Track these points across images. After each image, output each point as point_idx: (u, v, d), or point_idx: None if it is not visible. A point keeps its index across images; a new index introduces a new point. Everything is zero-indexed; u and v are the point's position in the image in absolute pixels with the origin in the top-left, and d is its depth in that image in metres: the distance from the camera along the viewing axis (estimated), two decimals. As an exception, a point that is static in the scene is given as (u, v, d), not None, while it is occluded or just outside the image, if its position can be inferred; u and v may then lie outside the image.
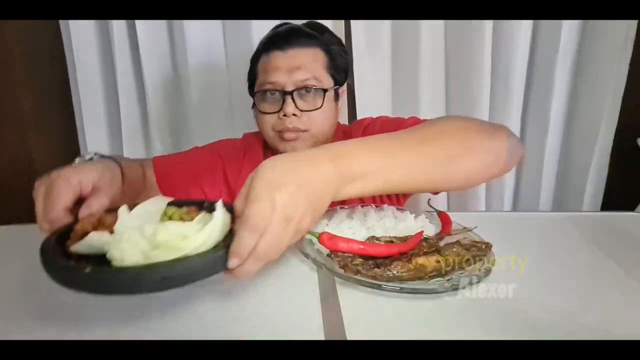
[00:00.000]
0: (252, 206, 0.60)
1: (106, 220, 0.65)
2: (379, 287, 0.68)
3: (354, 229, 0.88)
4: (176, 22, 1.69)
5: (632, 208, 1.78)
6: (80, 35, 1.72)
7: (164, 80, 1.78)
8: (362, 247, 0.76)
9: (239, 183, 1.10)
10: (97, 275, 0.55)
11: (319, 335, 0.60)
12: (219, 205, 0.63)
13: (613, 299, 0.68)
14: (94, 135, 1.84)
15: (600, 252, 0.84)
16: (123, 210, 0.64)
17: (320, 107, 1.14)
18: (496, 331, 0.60)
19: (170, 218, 0.66)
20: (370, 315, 0.65)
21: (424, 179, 0.79)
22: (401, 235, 0.84)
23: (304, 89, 1.12)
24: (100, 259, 0.58)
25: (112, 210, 0.67)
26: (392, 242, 0.80)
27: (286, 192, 0.61)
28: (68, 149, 2.00)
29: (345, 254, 0.76)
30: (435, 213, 0.98)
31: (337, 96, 1.22)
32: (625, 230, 0.96)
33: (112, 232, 0.60)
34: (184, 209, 0.68)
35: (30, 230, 1.02)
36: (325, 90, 1.15)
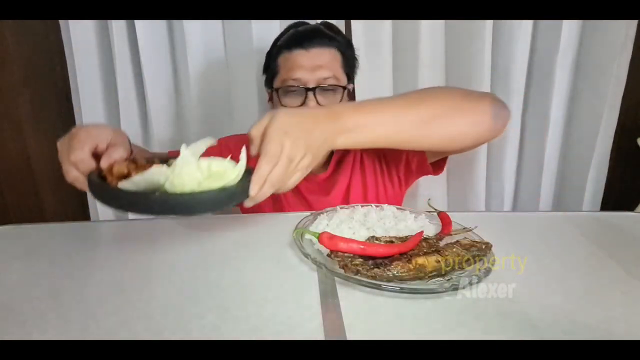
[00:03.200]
0: (268, 145, 0.80)
1: (132, 167, 0.77)
2: (378, 287, 0.69)
3: (354, 229, 0.88)
4: (176, 22, 1.70)
5: (631, 208, 1.79)
6: (80, 36, 1.72)
7: (164, 80, 1.78)
8: (362, 247, 0.76)
9: None
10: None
11: (319, 335, 0.60)
12: (244, 152, 0.80)
13: (613, 298, 0.68)
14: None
15: (600, 252, 0.84)
16: (183, 147, 0.74)
17: (339, 103, 1.22)
18: (496, 331, 0.60)
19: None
20: (370, 315, 0.65)
21: (409, 135, 0.96)
22: (401, 235, 0.84)
23: (325, 86, 1.20)
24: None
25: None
26: (392, 242, 0.80)
27: (291, 139, 0.81)
28: (68, 149, 2.00)
29: (345, 254, 0.76)
30: (435, 213, 0.98)
31: (349, 93, 1.30)
32: (625, 229, 0.96)
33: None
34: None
35: (30, 230, 1.03)
36: (344, 88, 1.24)
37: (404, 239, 0.82)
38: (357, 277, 0.71)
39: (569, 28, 1.62)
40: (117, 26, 1.67)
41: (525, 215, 1.11)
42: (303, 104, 1.20)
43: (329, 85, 1.21)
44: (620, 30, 1.57)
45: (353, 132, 0.91)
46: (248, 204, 0.81)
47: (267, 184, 0.80)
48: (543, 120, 1.73)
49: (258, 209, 1.30)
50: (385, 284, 0.69)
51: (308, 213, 0.99)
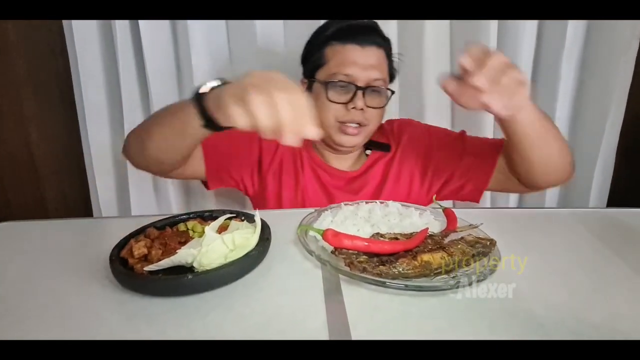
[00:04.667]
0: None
1: (148, 244, 0.80)
2: (383, 284, 0.68)
3: (359, 225, 0.88)
4: (180, 21, 1.69)
5: (637, 204, 1.78)
6: (83, 32, 1.71)
7: (167, 76, 1.78)
8: (366, 244, 0.76)
9: (273, 164, 1.28)
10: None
11: (323, 333, 0.60)
12: (257, 214, 0.82)
13: (618, 296, 0.68)
14: (95, 132, 1.84)
15: (606, 249, 0.84)
16: (207, 228, 0.76)
17: (384, 106, 1.22)
18: (501, 329, 0.60)
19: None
20: (375, 313, 0.65)
21: (537, 134, 0.99)
22: (406, 232, 0.84)
23: (374, 87, 1.18)
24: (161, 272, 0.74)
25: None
26: (396, 239, 0.80)
27: None
28: (69, 144, 2.01)
29: (350, 251, 0.76)
30: (441, 209, 0.98)
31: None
32: (630, 226, 0.96)
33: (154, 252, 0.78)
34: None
35: (31, 226, 1.03)
36: (392, 92, 1.22)
37: (408, 236, 0.81)
38: (363, 274, 0.70)
39: (575, 25, 1.61)
40: (120, 22, 1.66)
41: (531, 212, 1.11)
42: (350, 101, 1.17)
43: (378, 86, 1.19)
44: (626, 28, 1.56)
45: (522, 110, 0.95)
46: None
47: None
48: (548, 117, 1.73)
49: (279, 204, 1.27)
50: (390, 281, 0.68)
51: (312, 210, 0.99)
